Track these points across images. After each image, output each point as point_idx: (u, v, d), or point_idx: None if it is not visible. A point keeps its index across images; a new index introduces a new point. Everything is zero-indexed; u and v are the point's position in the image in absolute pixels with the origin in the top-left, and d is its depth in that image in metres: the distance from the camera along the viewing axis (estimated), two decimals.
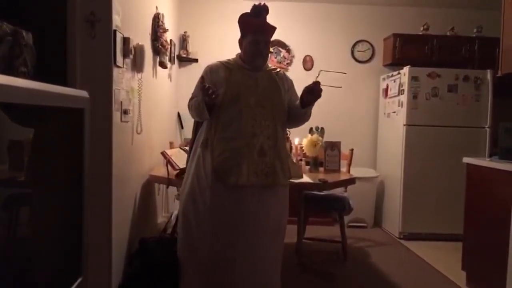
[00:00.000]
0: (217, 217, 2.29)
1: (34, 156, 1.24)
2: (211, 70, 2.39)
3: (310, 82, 2.62)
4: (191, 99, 2.43)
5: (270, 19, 2.41)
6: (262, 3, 2.35)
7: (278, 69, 2.56)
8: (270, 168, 2.29)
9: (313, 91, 2.28)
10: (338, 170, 3.59)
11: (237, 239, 2.28)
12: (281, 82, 2.45)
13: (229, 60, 2.46)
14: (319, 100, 2.53)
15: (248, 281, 2.32)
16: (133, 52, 2.64)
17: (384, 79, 4.82)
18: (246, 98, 2.29)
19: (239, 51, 4.63)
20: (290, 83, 2.52)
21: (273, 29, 2.41)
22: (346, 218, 3.97)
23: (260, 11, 2.34)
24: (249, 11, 2.37)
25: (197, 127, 2.52)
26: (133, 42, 2.62)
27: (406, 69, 4.27)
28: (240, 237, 2.28)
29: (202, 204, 2.32)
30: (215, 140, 2.30)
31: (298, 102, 2.39)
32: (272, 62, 4.86)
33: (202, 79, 2.26)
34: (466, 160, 3.08)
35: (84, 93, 1.35)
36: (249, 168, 2.24)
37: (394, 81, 4.51)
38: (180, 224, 2.45)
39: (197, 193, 2.35)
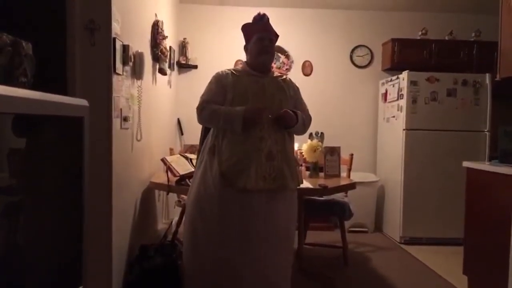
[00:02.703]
0: (226, 222, 2.27)
1: (34, 164, 1.25)
2: (220, 76, 2.43)
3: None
4: (206, 102, 2.38)
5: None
6: (262, 12, 2.44)
7: (284, 76, 2.60)
8: (278, 172, 2.29)
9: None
10: (338, 175, 3.59)
11: (246, 245, 2.26)
12: (287, 88, 2.48)
13: (236, 68, 2.56)
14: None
15: None
16: (132, 59, 2.64)
17: (383, 83, 4.83)
18: (254, 103, 2.31)
19: (237, 57, 4.68)
20: (295, 90, 2.56)
21: (275, 33, 2.49)
22: (347, 223, 3.96)
23: (261, 17, 2.43)
24: (249, 20, 2.47)
25: (204, 135, 2.53)
26: (133, 49, 2.63)
27: (405, 74, 4.28)
28: (249, 244, 2.26)
29: (210, 211, 2.30)
30: (223, 145, 2.31)
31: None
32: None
33: (259, 111, 2.28)
34: (466, 164, 3.07)
35: (83, 102, 1.36)
36: (257, 172, 2.24)
37: (393, 86, 4.52)
38: (186, 233, 2.44)
39: (204, 200, 2.33)
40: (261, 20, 2.43)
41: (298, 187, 2.50)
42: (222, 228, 2.28)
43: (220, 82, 2.41)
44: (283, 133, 2.37)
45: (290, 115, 2.34)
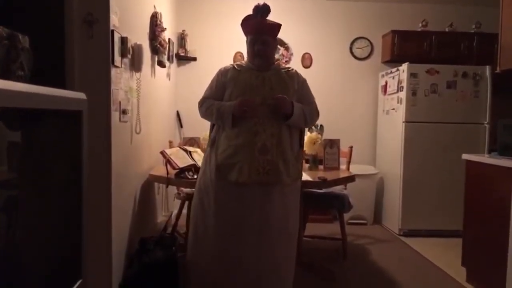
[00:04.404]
0: (221, 215, 2.31)
1: (33, 158, 1.24)
2: (221, 73, 2.49)
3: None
4: (205, 98, 2.50)
5: (270, 16, 2.43)
6: (262, 3, 2.40)
7: (290, 68, 2.57)
8: (272, 166, 2.29)
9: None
10: (337, 168, 3.59)
11: (242, 237, 2.29)
12: (291, 81, 2.46)
13: (241, 62, 2.56)
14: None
15: (255, 281, 2.31)
16: (131, 52, 2.63)
17: (383, 76, 4.82)
18: (252, 97, 2.33)
19: (237, 49, 4.67)
20: (301, 82, 2.54)
21: (273, 27, 2.45)
22: (346, 215, 3.97)
23: (257, 12, 2.40)
24: (248, 11, 2.46)
25: (212, 129, 2.56)
26: (131, 41, 2.62)
27: (404, 66, 4.26)
28: (245, 236, 2.29)
29: (207, 203, 2.35)
30: (221, 138, 2.36)
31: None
32: None
33: (247, 101, 2.29)
34: (465, 156, 3.07)
35: (82, 95, 1.35)
36: (250, 166, 2.26)
37: (393, 78, 4.51)
38: (190, 224, 2.51)
39: (203, 192, 2.38)
40: (257, 14, 2.40)
41: (297, 180, 2.50)
42: (218, 220, 2.31)
43: (220, 79, 2.47)
44: (280, 127, 2.35)
45: (284, 100, 2.32)
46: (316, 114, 2.57)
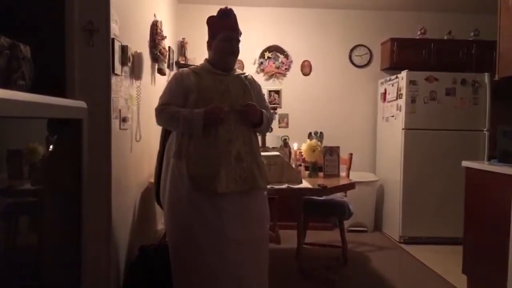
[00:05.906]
0: (199, 227, 2.21)
1: (33, 166, 1.25)
2: (182, 76, 2.35)
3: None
4: (165, 104, 2.32)
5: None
6: (228, 7, 2.37)
7: (246, 74, 2.52)
8: (248, 173, 2.25)
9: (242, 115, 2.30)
10: (337, 175, 3.59)
11: (222, 248, 2.21)
12: (251, 86, 2.42)
13: (196, 66, 2.45)
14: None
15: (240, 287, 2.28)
16: (131, 60, 2.64)
17: (382, 83, 4.84)
18: (219, 104, 2.23)
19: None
20: (258, 88, 2.50)
21: (240, 32, 2.43)
22: (346, 223, 3.97)
23: (228, 13, 2.36)
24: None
25: (165, 137, 2.45)
26: (132, 50, 2.63)
27: (404, 73, 4.28)
28: (224, 246, 2.21)
29: (182, 216, 2.24)
30: (191, 148, 2.23)
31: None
32: (270, 68, 4.88)
33: (220, 109, 2.21)
34: (465, 163, 3.08)
35: (82, 104, 1.36)
36: (228, 175, 2.19)
37: (392, 85, 4.53)
38: (168, 239, 2.39)
39: (177, 206, 2.26)
40: (229, 16, 2.35)
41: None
42: (196, 232, 2.21)
43: (181, 83, 2.32)
44: (250, 134, 2.33)
45: (255, 107, 2.29)
46: (272, 118, 2.56)
